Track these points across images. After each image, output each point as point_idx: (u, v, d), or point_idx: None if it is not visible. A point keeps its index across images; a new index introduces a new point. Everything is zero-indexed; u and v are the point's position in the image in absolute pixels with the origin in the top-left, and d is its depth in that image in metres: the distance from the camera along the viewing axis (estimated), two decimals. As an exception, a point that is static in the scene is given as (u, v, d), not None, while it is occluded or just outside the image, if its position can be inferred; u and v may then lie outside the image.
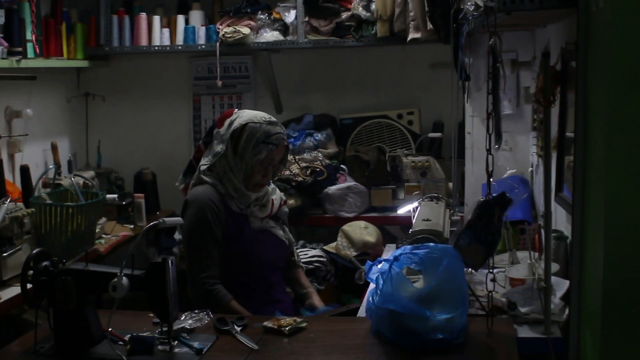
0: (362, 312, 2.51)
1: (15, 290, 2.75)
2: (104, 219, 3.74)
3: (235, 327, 2.20)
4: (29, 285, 2.06)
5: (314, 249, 3.73)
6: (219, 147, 2.66)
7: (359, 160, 4.29)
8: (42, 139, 4.21)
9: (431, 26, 3.63)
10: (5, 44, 3.50)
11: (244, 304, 2.55)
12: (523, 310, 2.29)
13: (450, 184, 3.70)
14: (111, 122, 4.81)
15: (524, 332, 2.22)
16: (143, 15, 4.40)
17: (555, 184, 2.48)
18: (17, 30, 3.59)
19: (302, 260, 3.19)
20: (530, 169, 3.39)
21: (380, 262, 2.18)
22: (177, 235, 4.14)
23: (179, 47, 4.41)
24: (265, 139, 2.63)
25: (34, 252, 2.08)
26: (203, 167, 2.69)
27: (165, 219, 2.12)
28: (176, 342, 2.07)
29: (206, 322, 2.24)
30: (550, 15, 2.45)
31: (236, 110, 2.75)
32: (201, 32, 4.38)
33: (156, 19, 4.40)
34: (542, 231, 2.33)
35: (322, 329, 2.23)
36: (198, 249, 2.59)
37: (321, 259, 3.60)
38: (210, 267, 2.58)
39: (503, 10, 2.01)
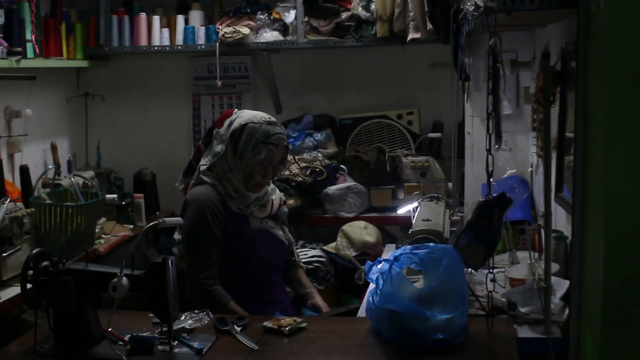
0: (362, 312, 2.51)
1: (15, 290, 2.75)
2: (103, 219, 3.75)
3: (235, 327, 2.20)
4: (28, 285, 2.06)
5: (314, 249, 3.73)
6: (218, 147, 2.66)
7: (359, 160, 4.30)
8: (41, 139, 4.20)
9: (431, 26, 3.63)
10: (5, 44, 3.50)
11: (244, 304, 2.55)
12: (523, 310, 2.29)
13: (450, 184, 3.70)
14: (111, 122, 4.81)
15: (524, 332, 2.22)
16: (143, 15, 4.40)
17: (555, 184, 2.48)
18: (17, 30, 3.59)
19: (302, 260, 3.19)
20: (530, 169, 3.40)
21: (380, 262, 2.18)
22: (177, 236, 4.13)
23: (179, 47, 4.41)
24: (265, 139, 2.63)
25: (34, 252, 2.07)
26: (203, 168, 2.69)
27: (165, 219, 2.12)
28: (176, 342, 2.07)
29: (206, 322, 2.24)
30: (550, 16, 2.45)
31: (236, 110, 2.75)
32: (201, 32, 4.38)
33: (156, 19, 4.40)
34: (542, 231, 2.33)
35: (322, 329, 2.23)
36: (197, 249, 2.59)
37: (321, 259, 3.60)
38: (209, 267, 2.58)
39: (503, 11, 2.01)
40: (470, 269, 2.46)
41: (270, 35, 4.23)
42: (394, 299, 2.02)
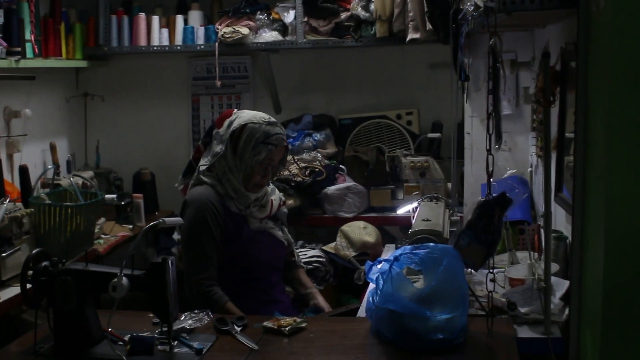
0: (362, 312, 2.51)
1: (14, 291, 2.75)
2: (102, 219, 3.74)
3: (235, 327, 2.19)
4: (28, 286, 2.06)
5: (313, 249, 3.73)
6: (218, 148, 2.66)
7: (358, 160, 4.29)
8: (41, 139, 4.20)
9: (430, 26, 3.63)
10: (4, 44, 3.50)
11: (243, 305, 2.54)
12: (523, 310, 2.29)
13: (449, 184, 3.70)
14: (110, 122, 4.81)
15: (524, 332, 2.22)
16: (142, 16, 4.39)
17: (554, 184, 2.48)
18: (16, 30, 3.59)
19: (302, 260, 3.18)
20: (530, 169, 3.40)
21: (380, 262, 2.18)
22: (176, 236, 4.12)
23: (178, 47, 4.41)
24: (265, 140, 2.62)
25: (34, 252, 2.07)
26: (202, 168, 2.69)
27: (165, 219, 2.12)
28: (176, 342, 2.07)
29: (206, 322, 2.24)
30: (550, 16, 2.45)
31: (235, 110, 2.75)
32: (200, 32, 4.38)
33: (155, 19, 4.40)
34: (542, 231, 2.33)
35: (322, 329, 2.23)
36: (196, 250, 2.59)
37: (320, 259, 3.60)
38: (208, 268, 2.57)
39: (503, 11, 2.01)
40: (470, 269, 2.46)
41: (269, 36, 4.23)
42: (394, 299, 2.02)
